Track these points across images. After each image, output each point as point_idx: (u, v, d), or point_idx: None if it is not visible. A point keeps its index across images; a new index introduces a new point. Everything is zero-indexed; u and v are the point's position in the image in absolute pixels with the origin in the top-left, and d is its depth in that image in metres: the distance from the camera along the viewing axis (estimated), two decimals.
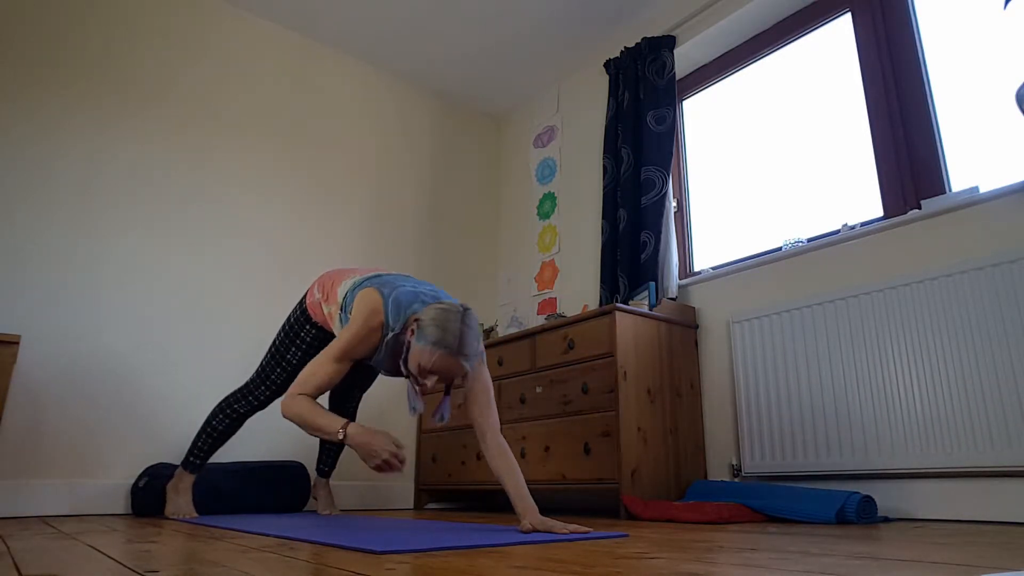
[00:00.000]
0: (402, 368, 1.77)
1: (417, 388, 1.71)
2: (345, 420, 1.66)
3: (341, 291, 2.02)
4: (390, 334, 1.78)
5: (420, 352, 1.64)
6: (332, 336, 2.19)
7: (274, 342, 2.24)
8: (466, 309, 1.67)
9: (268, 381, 2.23)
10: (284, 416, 1.73)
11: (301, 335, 2.17)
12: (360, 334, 1.77)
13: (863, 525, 1.81)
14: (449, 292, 3.81)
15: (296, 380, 1.76)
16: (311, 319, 2.16)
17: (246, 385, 2.27)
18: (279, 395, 2.26)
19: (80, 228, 2.70)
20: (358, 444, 1.61)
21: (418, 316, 1.69)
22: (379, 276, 1.95)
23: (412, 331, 1.69)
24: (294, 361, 2.20)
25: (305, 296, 2.19)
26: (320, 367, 1.77)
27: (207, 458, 2.32)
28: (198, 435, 2.30)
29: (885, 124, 2.40)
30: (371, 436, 1.61)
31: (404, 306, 1.78)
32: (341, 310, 1.98)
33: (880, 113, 2.42)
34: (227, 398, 2.29)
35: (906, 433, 2.02)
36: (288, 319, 2.22)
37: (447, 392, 1.82)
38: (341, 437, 1.62)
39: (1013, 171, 2.07)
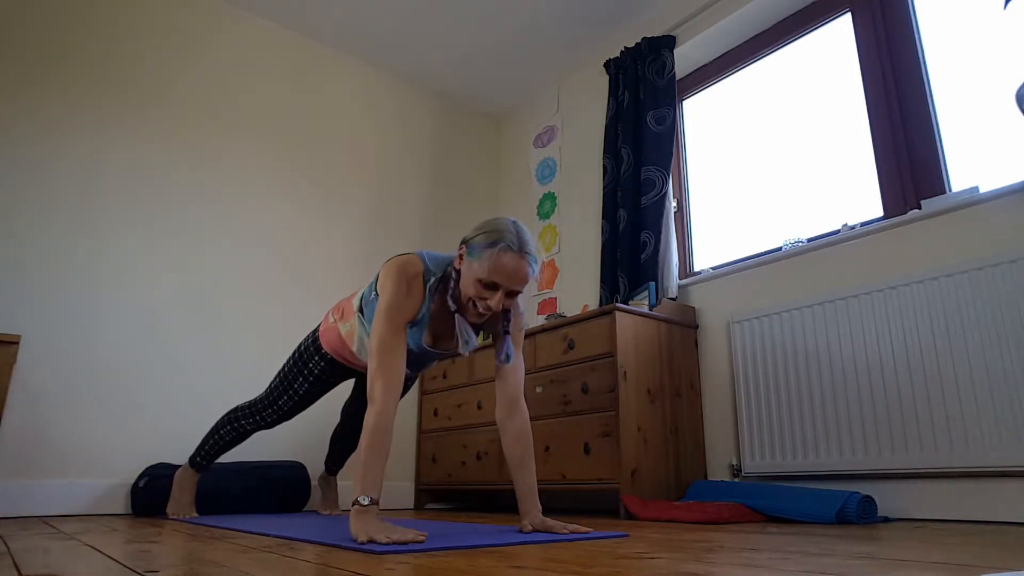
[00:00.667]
0: (450, 303, 1.57)
1: (471, 318, 1.54)
2: (372, 498, 1.32)
3: (357, 298, 1.91)
4: (432, 279, 1.58)
5: (477, 265, 1.46)
6: (341, 368, 2.08)
7: (284, 367, 2.16)
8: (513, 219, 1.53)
9: (276, 406, 2.17)
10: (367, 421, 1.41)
11: (310, 366, 2.08)
12: (398, 290, 1.52)
13: (863, 525, 1.81)
14: None
15: (370, 373, 1.45)
16: (321, 348, 2.04)
17: (257, 403, 2.20)
18: (287, 419, 2.20)
19: (80, 228, 2.70)
20: (353, 531, 1.27)
21: (466, 238, 1.52)
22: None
23: (461, 256, 1.52)
24: (300, 391, 2.12)
25: (319, 325, 2.09)
26: (379, 348, 1.47)
27: (212, 462, 2.33)
28: (206, 438, 2.29)
29: (885, 124, 2.40)
30: (368, 527, 1.26)
31: (443, 257, 1.64)
32: (360, 311, 1.85)
33: (880, 113, 2.42)
34: (237, 411, 2.24)
35: (906, 433, 2.02)
36: (299, 347, 2.13)
37: (507, 331, 1.63)
38: (352, 503, 1.33)
39: (1013, 171, 2.07)
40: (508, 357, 1.63)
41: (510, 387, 1.63)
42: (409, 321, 1.55)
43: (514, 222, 1.51)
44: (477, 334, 1.66)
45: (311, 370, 2.08)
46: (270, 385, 2.19)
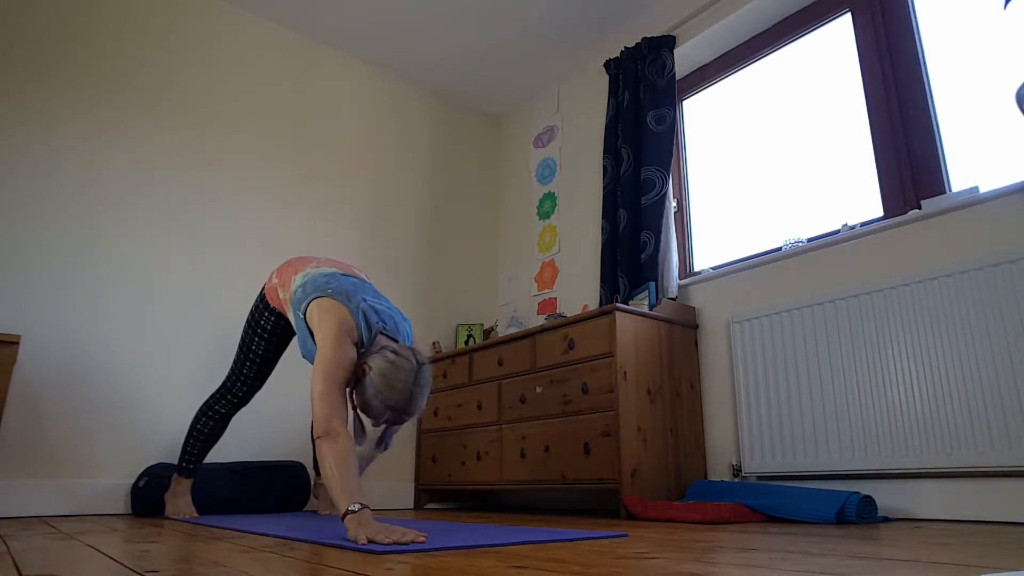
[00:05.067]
0: (352, 400, 1.71)
1: (361, 422, 1.72)
2: (361, 503, 1.35)
3: (293, 283, 1.94)
4: (363, 349, 1.70)
5: (367, 401, 1.60)
6: (291, 324, 2.14)
7: (241, 337, 2.23)
8: (420, 365, 1.62)
9: (241, 377, 2.22)
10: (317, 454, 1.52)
11: (261, 323, 2.15)
12: (344, 353, 1.63)
13: (863, 525, 1.81)
14: (449, 292, 3.81)
15: (317, 415, 1.54)
16: (268, 304, 2.12)
17: (223, 385, 2.26)
18: (256, 389, 2.26)
19: (80, 228, 2.70)
20: (352, 535, 1.28)
21: (369, 362, 1.61)
22: (334, 278, 1.84)
23: (364, 371, 1.62)
24: (259, 352, 2.18)
25: (264, 287, 2.15)
26: (326, 395, 1.57)
27: (200, 461, 2.33)
28: (186, 440, 2.30)
29: (885, 124, 2.40)
30: (367, 529, 1.28)
31: (372, 322, 1.72)
32: (293, 308, 1.89)
33: (880, 113, 2.42)
34: (207, 400, 2.29)
35: (906, 433, 2.02)
36: (250, 311, 2.20)
37: (389, 425, 1.74)
38: (342, 513, 1.35)
39: (1013, 171, 2.07)
40: (386, 447, 1.79)
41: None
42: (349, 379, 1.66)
43: (415, 378, 1.60)
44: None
45: (263, 326, 2.15)
46: (232, 362, 2.26)
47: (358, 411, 1.71)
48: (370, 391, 1.59)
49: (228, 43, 3.29)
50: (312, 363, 1.76)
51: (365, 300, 1.76)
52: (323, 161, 3.49)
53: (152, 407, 2.72)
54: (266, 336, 2.16)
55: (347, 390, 1.68)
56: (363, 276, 2.05)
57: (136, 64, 2.98)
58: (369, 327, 1.70)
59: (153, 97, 3.00)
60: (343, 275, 1.90)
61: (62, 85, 2.77)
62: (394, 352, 1.61)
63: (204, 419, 2.27)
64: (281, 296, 2.03)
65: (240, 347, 2.22)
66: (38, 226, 2.61)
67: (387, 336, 1.75)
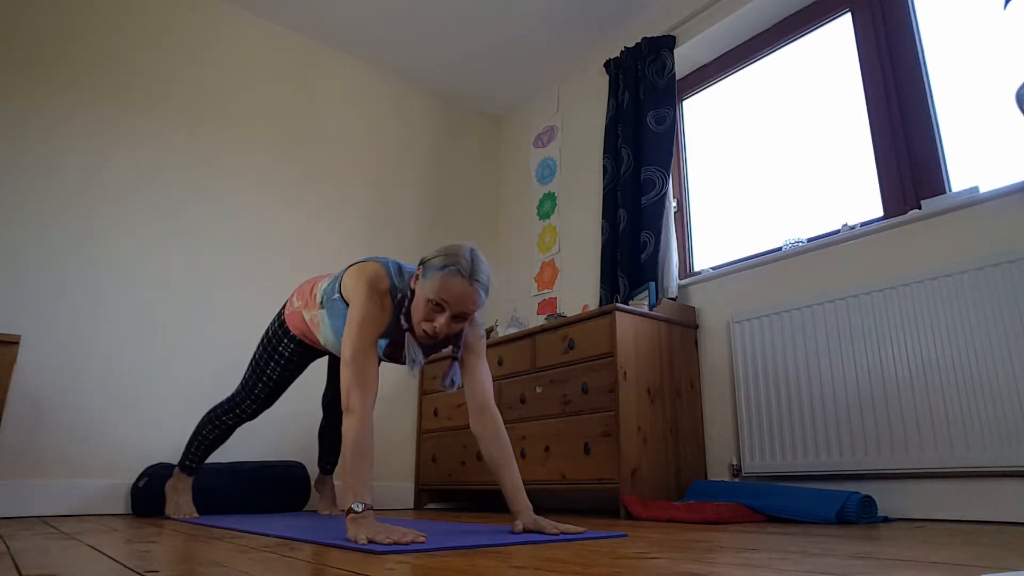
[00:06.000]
0: (403, 322, 1.61)
1: (419, 338, 1.56)
2: (366, 504, 1.32)
3: (319, 291, 1.93)
4: (399, 295, 1.63)
5: (428, 286, 1.49)
6: (312, 350, 2.12)
7: (254, 355, 2.18)
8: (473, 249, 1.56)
9: (252, 395, 2.18)
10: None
11: (279, 349, 2.10)
12: (371, 305, 1.56)
13: (863, 525, 1.81)
14: None
15: (343, 383, 1.47)
16: (289, 332, 2.08)
17: (233, 396, 2.22)
18: (266, 407, 2.21)
19: (80, 228, 2.70)
20: (351, 535, 1.26)
21: (423, 259, 1.56)
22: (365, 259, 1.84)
23: (418, 276, 1.56)
24: (274, 376, 2.14)
25: (283, 308, 2.12)
26: (351, 360, 1.49)
27: (202, 462, 2.33)
28: (190, 441, 2.29)
29: (885, 124, 2.40)
30: (367, 529, 1.26)
31: (407, 269, 1.67)
32: (322, 306, 1.88)
33: (880, 113, 2.42)
34: (216, 408, 2.25)
35: (906, 433, 2.02)
36: (267, 332, 2.15)
37: (455, 357, 1.68)
38: (345, 510, 1.33)
39: (1013, 171, 2.07)
40: (452, 383, 1.66)
41: (477, 395, 1.64)
42: (380, 335, 1.59)
43: (472, 250, 1.54)
44: (427, 355, 1.74)
45: (281, 353, 2.11)
46: (243, 377, 2.21)
47: (412, 330, 1.60)
48: (428, 275, 1.50)
49: (228, 43, 3.29)
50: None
51: (397, 262, 1.73)
52: (323, 161, 3.49)
53: (152, 407, 2.72)
54: (283, 363, 2.12)
55: (398, 326, 1.62)
56: None
57: (136, 64, 2.98)
58: (401, 272, 1.65)
59: (153, 97, 3.00)
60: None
61: (62, 85, 2.77)
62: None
63: (210, 426, 2.25)
64: (307, 316, 1.97)
65: (253, 367, 2.17)
66: (38, 226, 2.61)
67: None
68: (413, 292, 1.59)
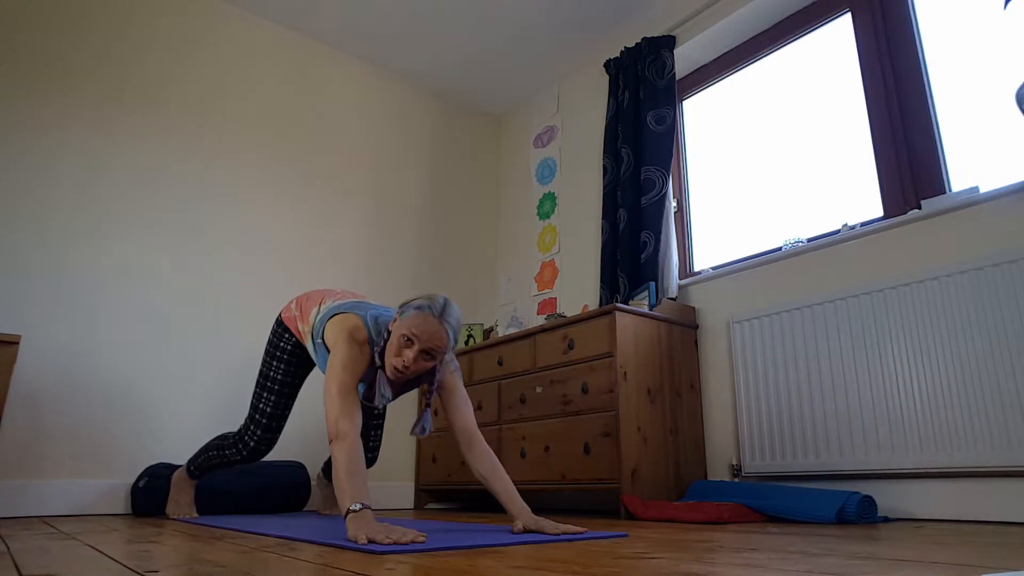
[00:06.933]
0: (376, 360, 1.72)
1: (391, 376, 1.66)
2: (364, 504, 1.37)
3: (312, 315, 2.01)
4: (376, 349, 1.74)
5: (402, 322, 1.62)
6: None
7: (259, 372, 2.21)
8: (445, 298, 1.69)
9: (256, 415, 2.15)
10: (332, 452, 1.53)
11: (280, 345, 2.14)
12: (352, 351, 1.68)
13: (863, 525, 1.81)
14: (449, 292, 3.81)
15: (328, 418, 1.56)
16: (288, 329, 2.14)
17: (238, 431, 2.20)
18: (269, 435, 2.16)
19: (80, 228, 2.70)
20: (351, 534, 1.27)
21: (402, 304, 1.69)
22: (345, 303, 1.92)
23: (395, 319, 1.68)
24: (278, 376, 2.15)
25: (281, 313, 2.18)
26: (336, 395, 1.58)
27: (204, 474, 2.33)
28: (199, 453, 2.27)
29: (885, 124, 2.40)
30: (367, 529, 1.27)
31: (383, 322, 1.77)
32: (312, 337, 1.97)
33: (880, 113, 2.42)
34: (221, 441, 2.21)
35: (906, 433, 2.02)
36: (268, 340, 2.21)
37: (428, 403, 1.78)
38: (344, 512, 1.36)
39: (1013, 171, 2.07)
40: (424, 430, 1.76)
41: (463, 430, 1.74)
42: (360, 379, 1.71)
43: (446, 297, 1.67)
44: (396, 395, 1.87)
45: (283, 348, 2.15)
46: (250, 404, 2.21)
47: (383, 369, 1.70)
48: (403, 316, 1.62)
49: (228, 43, 3.29)
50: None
51: (376, 309, 1.83)
52: (323, 160, 3.49)
53: (152, 407, 2.72)
54: (285, 358, 2.15)
55: (372, 365, 1.73)
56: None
57: (136, 64, 2.98)
58: (378, 326, 1.76)
59: (153, 97, 3.00)
60: (356, 301, 1.97)
61: (62, 85, 2.77)
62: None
63: (215, 452, 2.22)
64: (301, 328, 2.07)
65: (257, 381, 2.19)
66: (38, 226, 2.61)
67: None
68: (390, 333, 1.70)
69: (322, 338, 1.87)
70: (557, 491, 3.06)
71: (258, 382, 2.19)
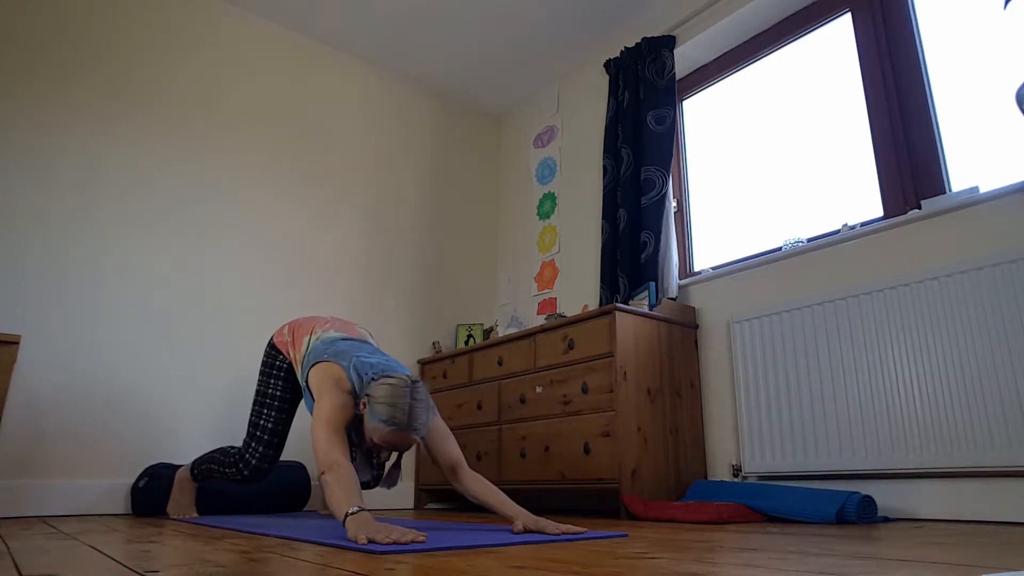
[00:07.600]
0: (354, 437, 1.83)
1: (372, 459, 1.80)
2: (360, 506, 1.39)
3: (304, 345, 2.06)
4: (357, 403, 1.78)
5: (372, 429, 1.65)
6: None
7: (256, 391, 2.21)
8: (415, 382, 1.68)
9: (257, 432, 2.16)
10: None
11: (276, 364, 2.18)
12: (338, 398, 1.73)
13: (863, 525, 1.81)
14: (449, 292, 3.82)
15: (319, 457, 1.58)
16: (281, 353, 2.17)
17: (242, 446, 2.20)
18: (269, 451, 2.16)
19: (80, 227, 2.70)
20: (351, 535, 1.28)
21: (368, 392, 1.69)
22: (333, 343, 1.94)
23: (364, 405, 1.69)
24: (276, 392, 2.17)
25: (273, 337, 2.21)
26: (324, 438, 1.62)
27: (204, 481, 2.34)
28: (204, 459, 2.26)
29: (885, 124, 2.40)
30: (366, 529, 1.28)
31: (365, 373, 1.79)
32: (301, 367, 2.03)
33: (880, 113, 2.42)
34: (227, 458, 2.20)
35: (906, 433, 2.02)
36: (262, 362, 2.23)
37: (398, 463, 1.84)
38: (341, 518, 1.38)
39: (1013, 171, 2.07)
40: (392, 484, 1.82)
41: (446, 465, 1.80)
42: (347, 423, 1.75)
43: (411, 398, 1.64)
44: (376, 466, 2.07)
45: (279, 367, 2.18)
46: (248, 424, 2.22)
47: (360, 448, 1.86)
48: (373, 420, 1.64)
49: (228, 43, 3.29)
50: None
51: (358, 357, 1.84)
52: (323, 160, 3.49)
53: (152, 406, 2.72)
54: (282, 375, 2.18)
55: (348, 438, 1.82)
56: (366, 334, 2.19)
57: (136, 64, 2.98)
58: (360, 377, 1.78)
59: (153, 97, 3.00)
60: (343, 339, 2.01)
61: (61, 84, 2.77)
62: (387, 377, 1.69)
63: (217, 467, 2.22)
64: (293, 355, 2.12)
65: (255, 400, 2.20)
66: (38, 226, 2.61)
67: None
68: (361, 419, 1.74)
69: (306, 382, 1.94)
70: (557, 491, 3.06)
71: (256, 400, 2.20)
